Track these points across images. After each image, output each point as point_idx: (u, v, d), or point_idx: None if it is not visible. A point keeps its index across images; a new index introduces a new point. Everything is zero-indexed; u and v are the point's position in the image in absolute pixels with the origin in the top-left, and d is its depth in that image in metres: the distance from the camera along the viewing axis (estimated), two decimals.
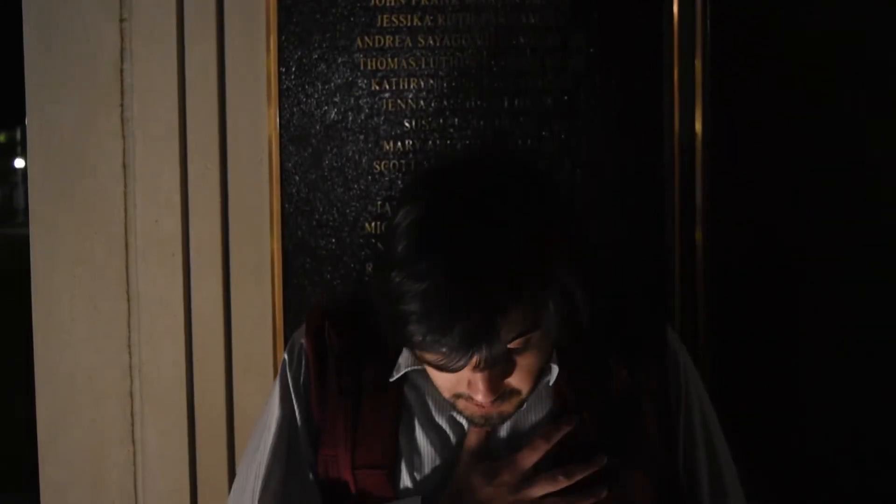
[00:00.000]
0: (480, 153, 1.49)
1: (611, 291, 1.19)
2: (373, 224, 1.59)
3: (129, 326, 1.65)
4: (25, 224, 1.85)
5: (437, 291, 1.00)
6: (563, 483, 1.14)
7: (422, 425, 1.19)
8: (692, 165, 1.60)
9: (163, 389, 1.63)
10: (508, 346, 1.04)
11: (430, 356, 1.05)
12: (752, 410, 1.61)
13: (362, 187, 1.59)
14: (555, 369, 1.16)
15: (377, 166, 1.59)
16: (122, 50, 1.64)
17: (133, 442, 1.65)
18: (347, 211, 1.59)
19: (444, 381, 1.11)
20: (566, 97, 1.58)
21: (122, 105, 1.64)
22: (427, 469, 1.18)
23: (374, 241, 1.59)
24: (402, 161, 1.59)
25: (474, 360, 1.03)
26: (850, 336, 1.69)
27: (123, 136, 1.64)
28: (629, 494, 1.16)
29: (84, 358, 1.64)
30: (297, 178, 1.60)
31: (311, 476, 1.23)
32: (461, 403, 1.12)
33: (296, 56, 1.59)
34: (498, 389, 1.08)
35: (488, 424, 1.15)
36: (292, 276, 1.60)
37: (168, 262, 1.63)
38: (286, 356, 1.26)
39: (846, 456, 1.69)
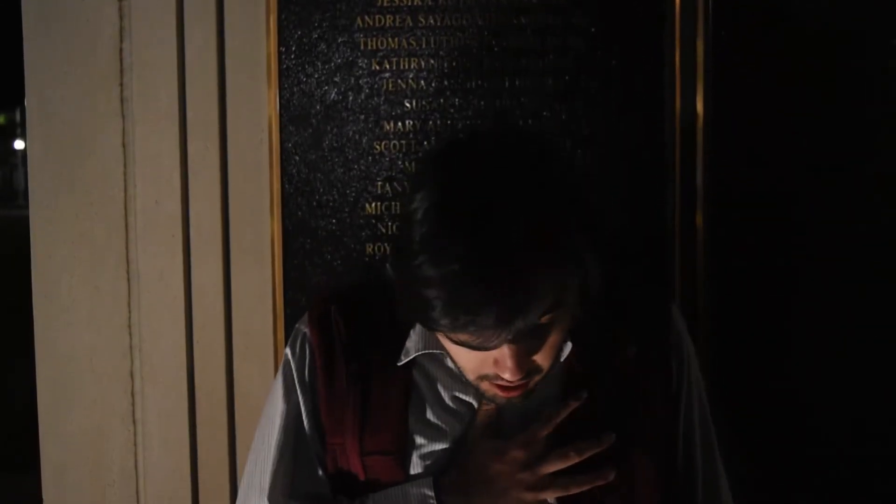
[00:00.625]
0: (486, 129, 1.47)
1: (618, 268, 1.18)
2: (373, 204, 1.59)
3: (129, 307, 1.65)
4: (25, 206, 1.85)
5: (468, 272, 0.97)
6: (573, 459, 1.13)
7: (432, 408, 1.18)
8: (693, 147, 1.59)
9: (163, 370, 1.63)
10: (540, 320, 1.02)
11: (463, 337, 1.02)
12: (752, 409, 1.61)
13: (363, 168, 1.59)
14: (568, 346, 1.15)
15: (377, 146, 1.59)
16: (121, 30, 1.63)
17: (133, 422, 1.66)
18: (348, 191, 1.59)
19: (470, 364, 1.09)
20: (567, 77, 1.57)
21: (121, 85, 1.63)
22: (439, 452, 1.17)
23: (374, 221, 1.58)
24: (403, 141, 1.58)
25: (510, 337, 1.01)
26: (850, 336, 1.67)
27: (123, 117, 1.63)
28: (633, 473, 1.16)
29: (84, 339, 1.65)
30: (297, 158, 1.59)
31: (318, 468, 1.22)
32: (485, 385, 1.10)
33: (296, 36, 1.58)
34: (525, 367, 1.06)
35: (509, 404, 1.14)
36: (292, 257, 1.59)
37: (168, 243, 1.63)
38: (288, 349, 1.25)
39: (846, 456, 1.68)
